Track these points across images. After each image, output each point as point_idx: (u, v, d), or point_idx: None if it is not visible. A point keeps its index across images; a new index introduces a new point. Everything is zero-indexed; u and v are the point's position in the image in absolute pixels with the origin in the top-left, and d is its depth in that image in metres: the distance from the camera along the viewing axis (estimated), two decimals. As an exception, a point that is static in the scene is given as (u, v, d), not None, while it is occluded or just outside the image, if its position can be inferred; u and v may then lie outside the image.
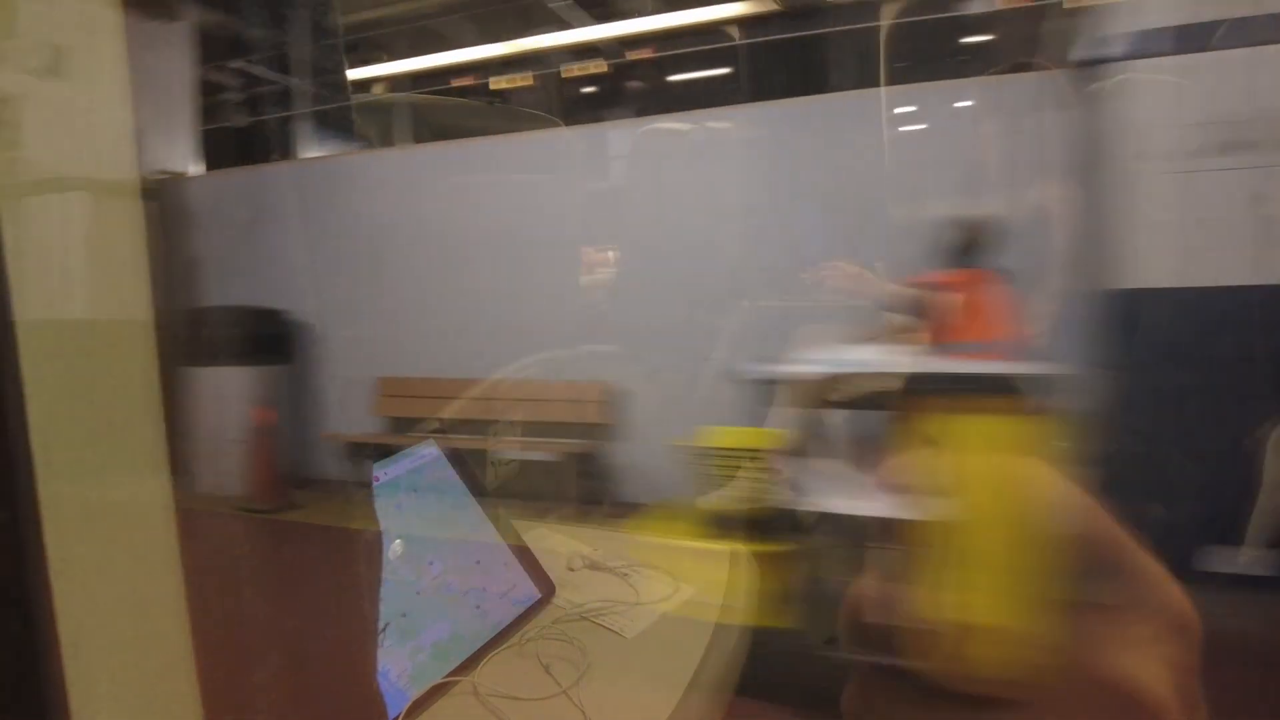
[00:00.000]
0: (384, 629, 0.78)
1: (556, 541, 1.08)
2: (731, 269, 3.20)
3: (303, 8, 4.66)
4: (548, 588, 0.97)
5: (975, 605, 0.24)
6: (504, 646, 0.87)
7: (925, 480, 0.25)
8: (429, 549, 0.90)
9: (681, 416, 2.80)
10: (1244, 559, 2.42)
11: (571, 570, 1.01)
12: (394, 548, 0.87)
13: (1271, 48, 2.14)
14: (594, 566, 1.01)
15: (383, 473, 0.89)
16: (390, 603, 0.83)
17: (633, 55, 4.18)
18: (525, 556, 0.98)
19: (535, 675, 0.82)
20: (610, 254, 3.56)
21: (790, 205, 3.18)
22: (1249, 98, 2.27)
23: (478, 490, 0.91)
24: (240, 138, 4.76)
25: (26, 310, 0.30)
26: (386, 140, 5.20)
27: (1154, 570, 0.25)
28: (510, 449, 3.26)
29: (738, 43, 4.10)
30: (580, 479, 3.34)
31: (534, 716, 0.77)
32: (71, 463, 0.32)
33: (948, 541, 0.25)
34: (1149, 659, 0.24)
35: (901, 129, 3.19)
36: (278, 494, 3.87)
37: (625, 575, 0.99)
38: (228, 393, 3.96)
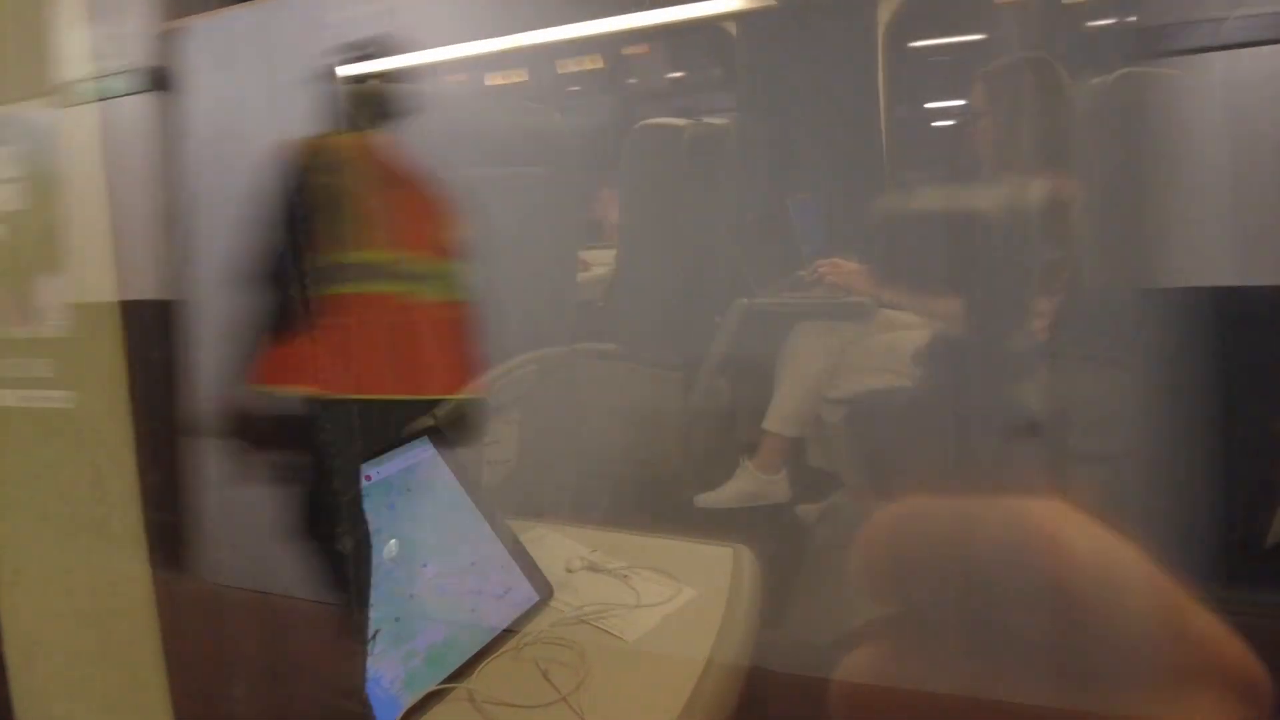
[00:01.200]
0: (374, 635, 0.75)
1: (554, 542, 1.06)
2: None
3: None
4: (545, 590, 0.94)
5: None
6: (500, 651, 0.84)
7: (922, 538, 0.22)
8: (423, 551, 0.87)
9: None
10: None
11: (570, 571, 0.99)
12: (388, 549, 0.84)
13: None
14: (593, 568, 0.98)
15: (374, 472, 0.86)
16: (383, 607, 0.80)
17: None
18: (522, 558, 0.95)
19: (533, 681, 0.79)
20: None
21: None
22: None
23: None
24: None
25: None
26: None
27: (1215, 629, 0.21)
28: None
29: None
30: None
31: (532, 724, 0.75)
32: (21, 465, 0.29)
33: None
34: None
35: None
36: None
37: (625, 577, 0.96)
38: None
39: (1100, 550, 0.21)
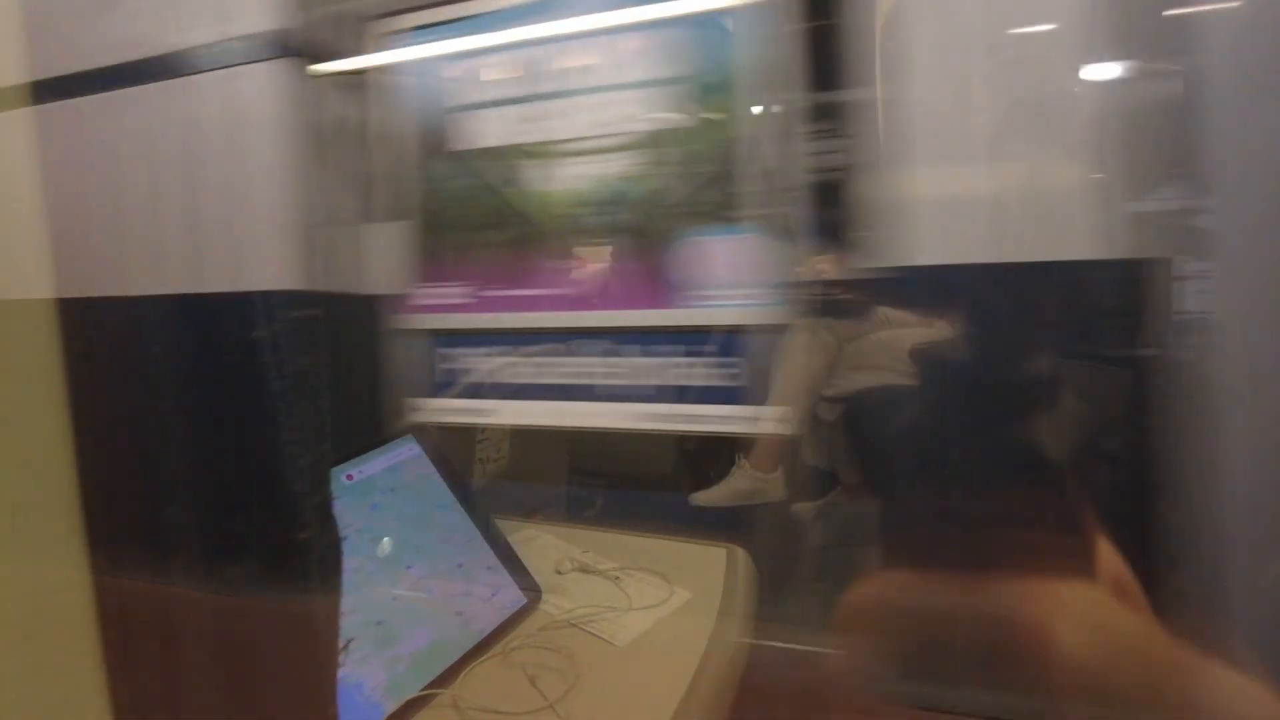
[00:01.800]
0: (347, 644, 0.72)
1: (545, 543, 1.03)
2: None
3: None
4: (534, 592, 0.91)
5: None
6: (487, 656, 0.82)
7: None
8: (407, 551, 0.85)
9: None
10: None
11: (560, 573, 0.96)
12: (380, 547, 0.82)
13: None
14: (584, 569, 0.96)
15: (356, 471, 0.84)
16: (365, 610, 0.77)
17: None
18: (511, 559, 0.93)
19: (520, 687, 0.77)
20: None
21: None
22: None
23: None
24: None
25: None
26: None
27: (1248, 693, 0.19)
28: None
29: None
30: None
31: (518, 732, 0.72)
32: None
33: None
34: None
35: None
36: None
37: (617, 579, 0.93)
38: None
39: (1104, 645, 0.18)
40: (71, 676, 0.30)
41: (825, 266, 2.68)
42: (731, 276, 1.12)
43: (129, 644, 0.30)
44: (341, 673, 0.70)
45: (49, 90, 0.76)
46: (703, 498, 2.58)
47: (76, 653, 0.30)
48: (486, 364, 1.18)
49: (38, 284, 0.28)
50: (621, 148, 1.13)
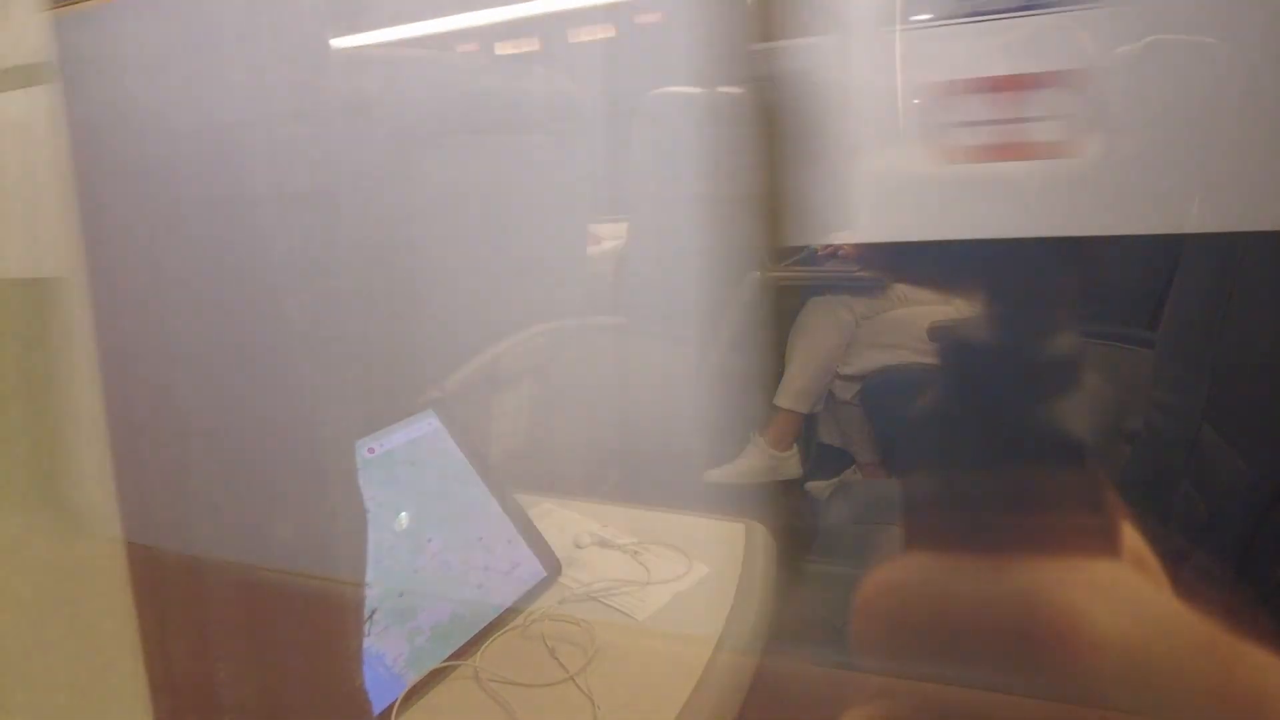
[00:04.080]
0: (372, 614, 0.73)
1: (563, 517, 1.03)
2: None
3: None
4: (554, 566, 0.92)
5: None
6: (507, 629, 0.82)
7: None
8: (428, 525, 0.85)
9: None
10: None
11: (579, 547, 0.96)
12: (398, 521, 0.82)
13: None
14: (603, 544, 0.96)
15: (378, 445, 0.84)
16: (386, 582, 0.78)
17: None
18: (530, 533, 0.93)
19: (540, 659, 0.77)
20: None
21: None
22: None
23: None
24: None
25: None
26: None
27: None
28: None
29: None
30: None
31: (539, 704, 0.73)
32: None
33: None
34: None
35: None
36: None
37: (636, 553, 0.93)
38: None
39: (1136, 631, 0.18)
40: (108, 643, 0.30)
41: (841, 241, 2.65)
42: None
43: (162, 613, 0.31)
44: (364, 644, 0.71)
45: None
46: (716, 475, 2.58)
47: (112, 620, 0.30)
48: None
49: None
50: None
